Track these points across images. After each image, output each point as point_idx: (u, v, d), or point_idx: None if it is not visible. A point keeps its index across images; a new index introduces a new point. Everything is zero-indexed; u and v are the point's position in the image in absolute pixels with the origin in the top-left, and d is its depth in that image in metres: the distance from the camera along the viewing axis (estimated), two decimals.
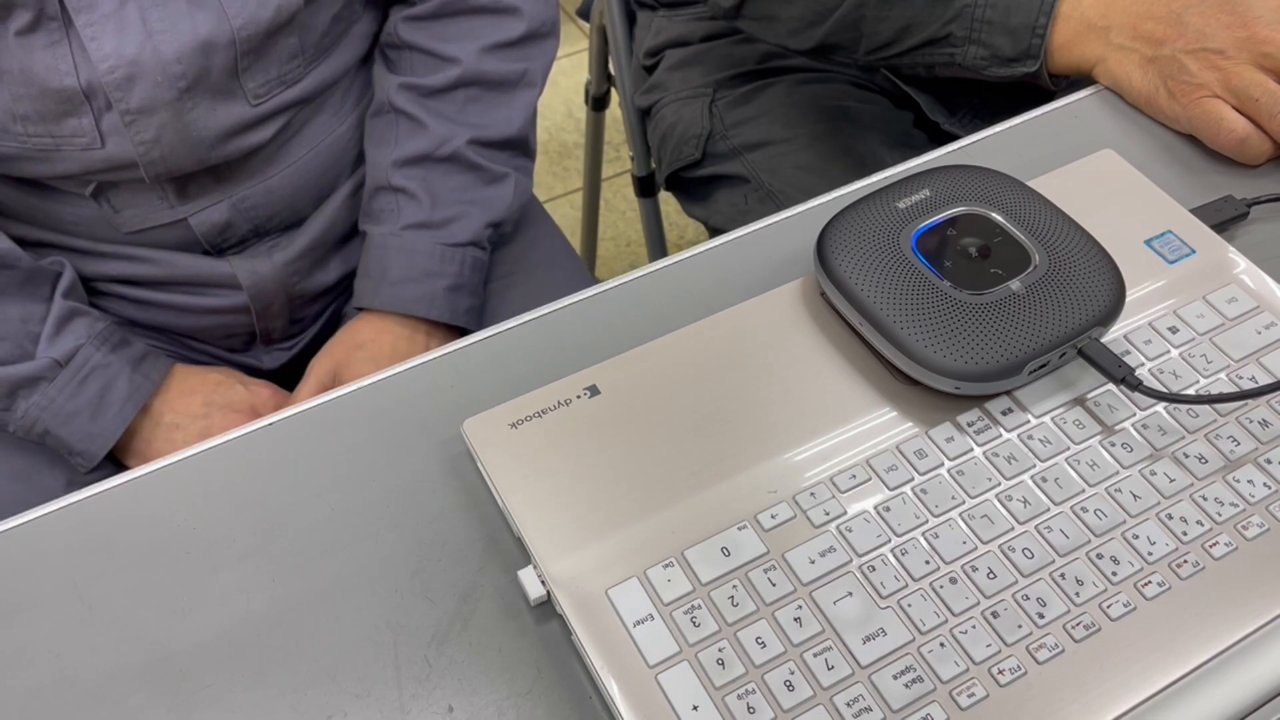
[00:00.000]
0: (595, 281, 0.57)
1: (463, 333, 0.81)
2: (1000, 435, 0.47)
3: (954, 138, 0.77)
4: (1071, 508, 0.45)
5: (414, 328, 0.82)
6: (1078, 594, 0.43)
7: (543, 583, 0.43)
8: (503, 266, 0.89)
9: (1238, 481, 0.46)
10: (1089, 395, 0.48)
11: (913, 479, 0.46)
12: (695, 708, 0.40)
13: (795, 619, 0.42)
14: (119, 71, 0.67)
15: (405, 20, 0.82)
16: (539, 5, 0.83)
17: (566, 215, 1.81)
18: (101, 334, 0.74)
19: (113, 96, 0.68)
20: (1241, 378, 0.49)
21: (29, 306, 0.72)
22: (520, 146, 0.85)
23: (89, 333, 0.73)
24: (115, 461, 0.77)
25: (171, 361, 0.79)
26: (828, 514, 0.45)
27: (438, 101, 0.81)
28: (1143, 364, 0.50)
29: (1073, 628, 0.42)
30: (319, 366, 0.81)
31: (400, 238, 0.80)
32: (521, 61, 0.83)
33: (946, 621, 0.42)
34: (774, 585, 0.43)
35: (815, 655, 0.41)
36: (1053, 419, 0.48)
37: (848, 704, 0.40)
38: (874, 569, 0.43)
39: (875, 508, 0.45)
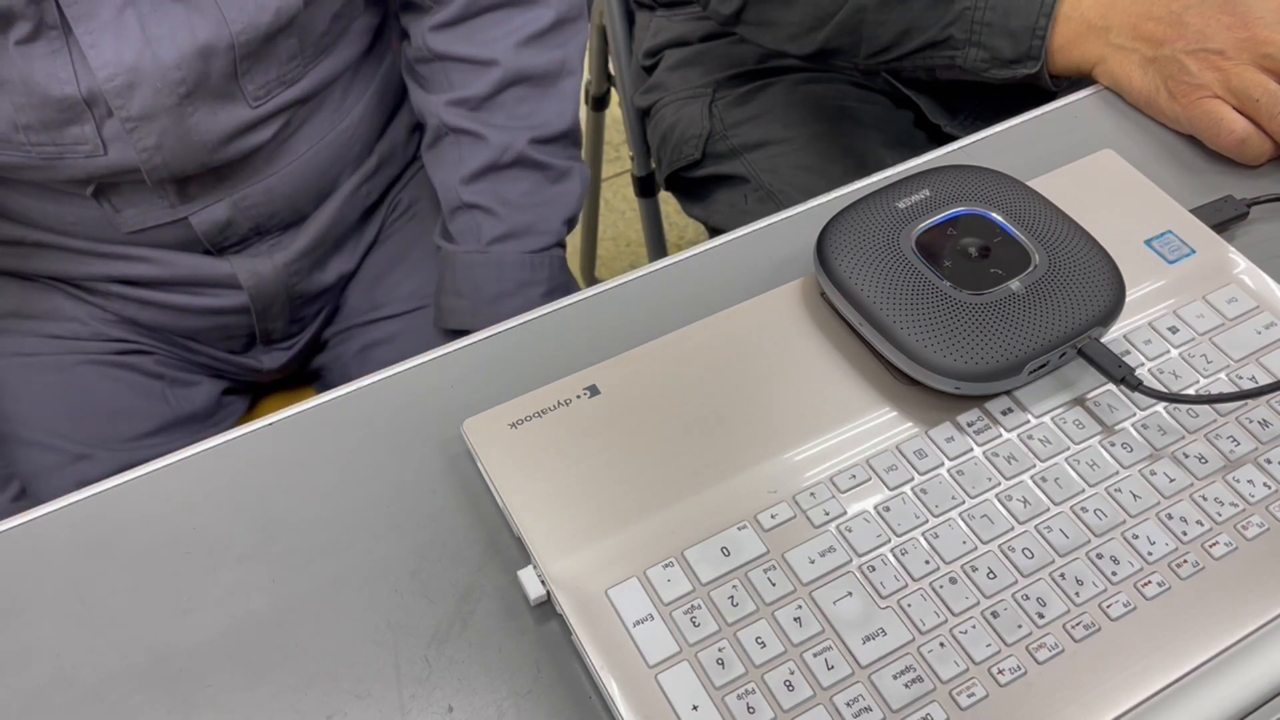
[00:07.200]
0: (594, 281, 0.57)
1: None
2: (1000, 435, 0.47)
3: (954, 138, 0.77)
4: (1071, 508, 0.45)
5: None
6: (1078, 594, 0.43)
7: (543, 583, 0.43)
8: None
9: (1238, 481, 0.46)
10: (1089, 395, 0.48)
11: (913, 479, 0.46)
12: (695, 708, 0.40)
13: (795, 619, 0.42)
14: (119, 79, 0.67)
15: (433, 30, 0.81)
16: None
17: None
18: None
19: (113, 104, 0.68)
20: (1241, 378, 0.49)
21: None
22: (573, 137, 0.85)
23: None
24: None
25: None
26: (828, 514, 0.45)
27: (488, 111, 0.81)
28: (1143, 364, 0.50)
29: (1073, 628, 0.42)
30: None
31: (487, 254, 0.80)
32: (558, 49, 0.82)
33: (946, 621, 0.42)
34: (774, 585, 0.43)
35: (815, 655, 0.41)
36: (1053, 419, 0.48)
37: (848, 704, 0.40)
38: (874, 569, 0.43)
39: (875, 508, 0.45)
